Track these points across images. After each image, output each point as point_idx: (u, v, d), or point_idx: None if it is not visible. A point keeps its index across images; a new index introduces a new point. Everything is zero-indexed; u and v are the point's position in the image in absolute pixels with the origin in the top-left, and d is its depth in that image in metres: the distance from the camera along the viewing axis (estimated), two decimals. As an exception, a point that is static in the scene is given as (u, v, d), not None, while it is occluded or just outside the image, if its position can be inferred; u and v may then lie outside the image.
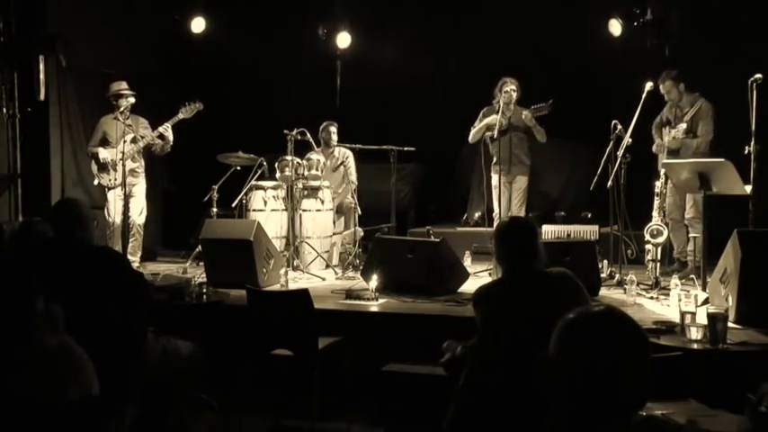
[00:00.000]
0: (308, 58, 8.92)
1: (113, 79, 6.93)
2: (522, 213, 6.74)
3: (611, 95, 7.15)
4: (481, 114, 6.88)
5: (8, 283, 2.61)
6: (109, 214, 6.85)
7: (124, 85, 6.83)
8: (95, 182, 6.95)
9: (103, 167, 6.83)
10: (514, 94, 6.71)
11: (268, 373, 4.43)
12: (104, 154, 6.80)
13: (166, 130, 6.79)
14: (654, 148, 6.45)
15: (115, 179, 6.79)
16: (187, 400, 4.05)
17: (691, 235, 6.19)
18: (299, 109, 8.21)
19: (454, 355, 3.30)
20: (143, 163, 7.01)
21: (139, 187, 6.97)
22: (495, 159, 6.88)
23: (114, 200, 6.82)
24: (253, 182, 7.01)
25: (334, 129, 7.52)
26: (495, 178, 6.90)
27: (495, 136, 6.65)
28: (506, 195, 6.87)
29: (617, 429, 1.68)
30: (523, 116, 6.65)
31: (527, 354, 2.60)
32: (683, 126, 6.15)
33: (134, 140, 6.77)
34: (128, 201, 6.73)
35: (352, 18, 8.88)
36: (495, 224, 6.88)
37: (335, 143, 7.53)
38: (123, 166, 6.57)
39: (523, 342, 2.84)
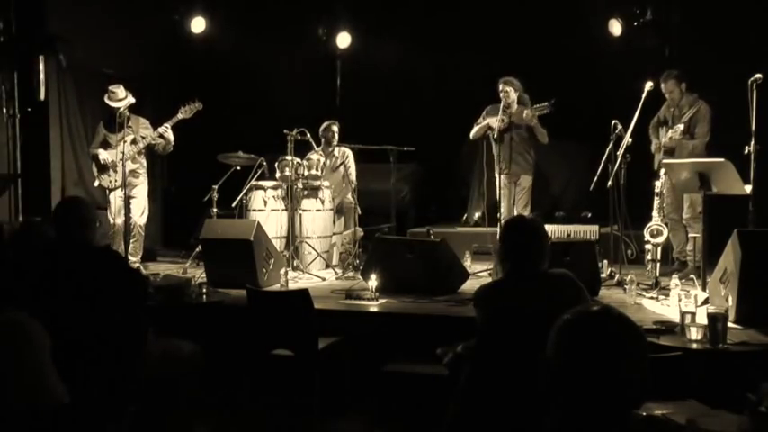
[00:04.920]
0: (308, 58, 8.92)
1: (111, 81, 6.88)
2: (527, 213, 6.71)
3: (611, 95, 7.15)
4: (485, 112, 6.86)
5: None
6: (111, 215, 6.84)
7: (120, 93, 6.73)
8: (96, 183, 6.93)
9: (104, 169, 6.81)
10: (511, 94, 6.66)
11: (268, 373, 4.43)
12: (104, 155, 6.78)
13: (166, 130, 6.77)
14: (652, 148, 6.46)
15: (115, 180, 6.77)
16: (187, 401, 4.05)
17: (690, 235, 6.18)
18: (299, 109, 8.21)
19: (456, 354, 3.30)
20: (144, 163, 6.97)
21: (141, 188, 6.94)
22: (497, 159, 6.85)
23: (115, 201, 6.81)
24: (253, 182, 7.00)
25: (336, 128, 7.51)
26: (503, 178, 6.79)
27: (496, 136, 6.64)
28: (510, 195, 6.83)
29: (616, 429, 1.68)
30: (524, 115, 6.61)
31: (527, 354, 2.61)
32: (681, 127, 6.15)
33: (134, 141, 6.75)
34: (129, 202, 6.73)
35: (352, 18, 8.88)
36: (499, 225, 6.89)
37: (336, 143, 7.53)
38: (124, 168, 6.56)
39: (523, 342, 2.85)
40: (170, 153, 7.12)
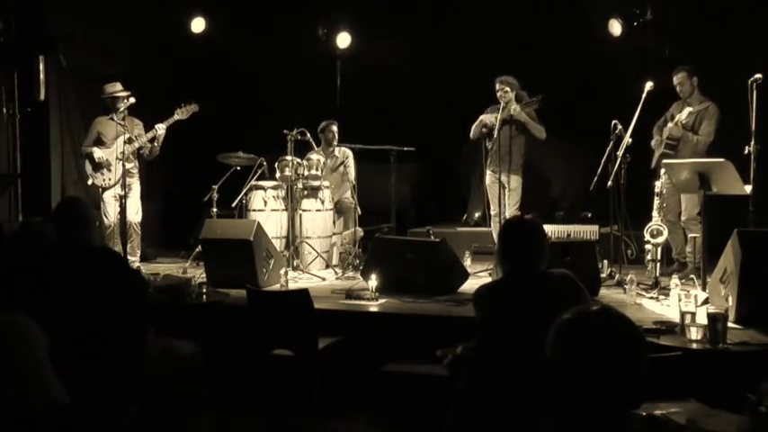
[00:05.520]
0: (308, 58, 8.92)
1: (107, 80, 6.92)
2: (517, 212, 6.71)
3: (611, 95, 7.15)
4: (485, 114, 6.87)
5: None
6: (106, 215, 6.85)
7: (119, 86, 6.81)
8: (89, 182, 6.94)
9: (98, 167, 6.83)
10: (507, 94, 6.66)
11: (268, 373, 4.43)
12: (99, 154, 6.79)
13: (159, 129, 6.78)
14: (653, 143, 6.45)
15: (110, 179, 6.80)
16: (187, 401, 4.05)
17: (691, 235, 6.18)
18: (299, 109, 8.21)
19: (456, 355, 3.30)
20: (137, 163, 7.02)
21: (134, 187, 6.98)
22: (489, 158, 6.87)
23: (111, 201, 6.82)
24: (253, 182, 7.01)
25: (335, 128, 7.51)
26: (488, 176, 6.90)
27: (495, 134, 6.64)
28: (499, 194, 6.84)
29: (616, 429, 1.68)
30: (512, 111, 6.60)
31: (527, 354, 2.61)
32: (689, 109, 6.11)
33: (129, 141, 6.76)
34: (124, 201, 6.73)
35: (352, 18, 8.88)
36: (492, 223, 6.91)
37: (336, 143, 7.53)
38: (123, 167, 6.56)
39: (523, 342, 2.84)
40: (170, 153, 7.12)
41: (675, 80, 6.28)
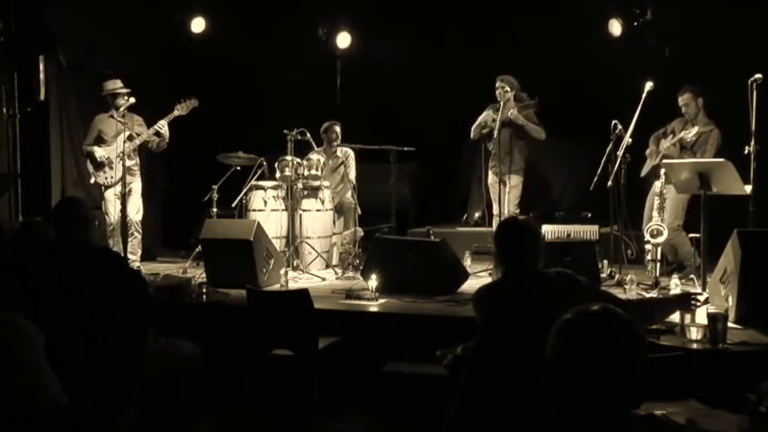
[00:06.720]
0: (308, 58, 8.92)
1: (108, 78, 6.92)
2: (517, 211, 6.74)
3: (611, 95, 7.15)
4: (484, 112, 6.88)
5: None
6: (107, 213, 6.84)
7: (119, 83, 6.81)
8: (92, 180, 6.93)
9: (100, 166, 6.82)
10: (506, 93, 6.67)
11: (268, 373, 4.43)
12: (101, 152, 6.79)
13: (162, 127, 6.78)
14: (647, 152, 6.42)
15: (112, 177, 6.79)
16: (187, 400, 4.05)
17: (690, 235, 6.16)
18: (299, 109, 8.21)
19: (456, 355, 3.30)
20: (138, 161, 7.00)
21: (136, 185, 6.96)
22: (491, 158, 6.89)
23: (112, 199, 6.81)
24: (253, 182, 7.01)
25: (338, 128, 7.51)
26: (490, 177, 6.92)
27: (495, 134, 6.65)
28: (500, 194, 6.86)
29: (616, 429, 1.68)
30: (510, 114, 6.63)
31: (527, 354, 2.61)
32: (695, 129, 6.05)
33: (130, 138, 6.75)
34: (125, 199, 6.73)
35: (352, 18, 8.88)
36: (493, 223, 6.91)
37: (338, 143, 7.53)
38: (123, 164, 6.56)
39: (523, 342, 2.84)
40: (170, 153, 7.12)
41: (681, 101, 6.20)
